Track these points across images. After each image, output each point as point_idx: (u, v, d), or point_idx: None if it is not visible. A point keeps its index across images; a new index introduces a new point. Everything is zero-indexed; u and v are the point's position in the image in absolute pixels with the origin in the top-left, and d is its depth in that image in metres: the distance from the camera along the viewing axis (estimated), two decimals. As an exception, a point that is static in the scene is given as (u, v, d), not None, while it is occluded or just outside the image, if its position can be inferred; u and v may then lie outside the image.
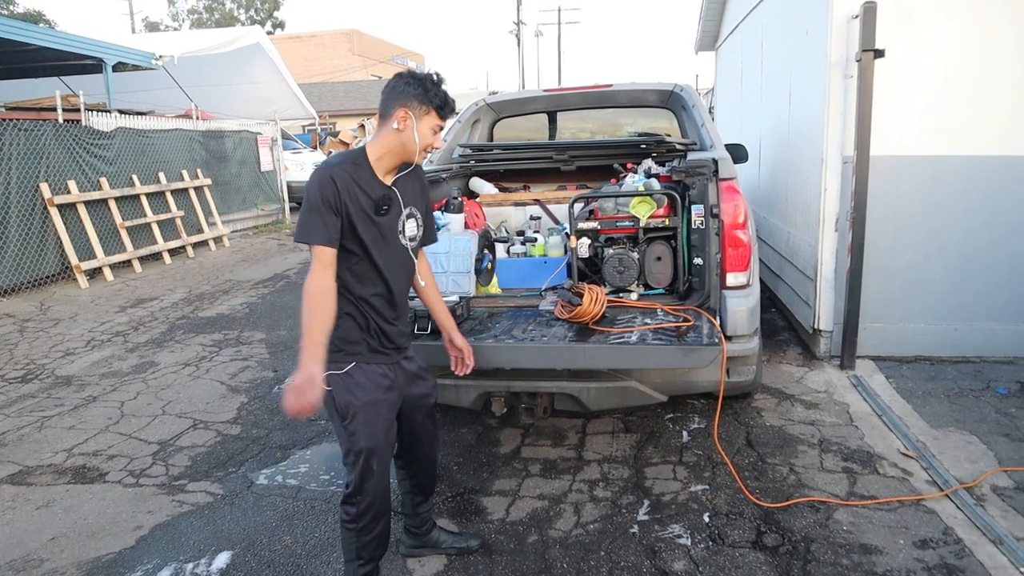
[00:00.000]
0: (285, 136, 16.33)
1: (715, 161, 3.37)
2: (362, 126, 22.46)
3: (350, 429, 2.44)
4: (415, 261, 2.65)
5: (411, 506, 2.96)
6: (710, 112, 8.49)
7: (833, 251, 4.91)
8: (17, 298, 8.06)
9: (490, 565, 2.94)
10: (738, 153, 4.82)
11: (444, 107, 2.41)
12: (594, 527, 3.17)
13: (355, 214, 2.34)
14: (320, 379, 2.23)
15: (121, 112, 10.86)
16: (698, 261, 3.56)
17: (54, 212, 8.62)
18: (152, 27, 43.21)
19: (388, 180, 2.45)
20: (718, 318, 3.31)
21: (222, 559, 3.08)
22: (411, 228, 2.57)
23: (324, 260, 2.31)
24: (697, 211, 3.52)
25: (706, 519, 3.19)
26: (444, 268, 3.68)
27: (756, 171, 7.03)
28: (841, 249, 4.86)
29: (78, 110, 9.73)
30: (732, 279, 3.38)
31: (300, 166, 16.56)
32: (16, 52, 11.03)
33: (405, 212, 2.53)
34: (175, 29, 41.80)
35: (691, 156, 3.89)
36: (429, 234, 2.74)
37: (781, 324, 6.05)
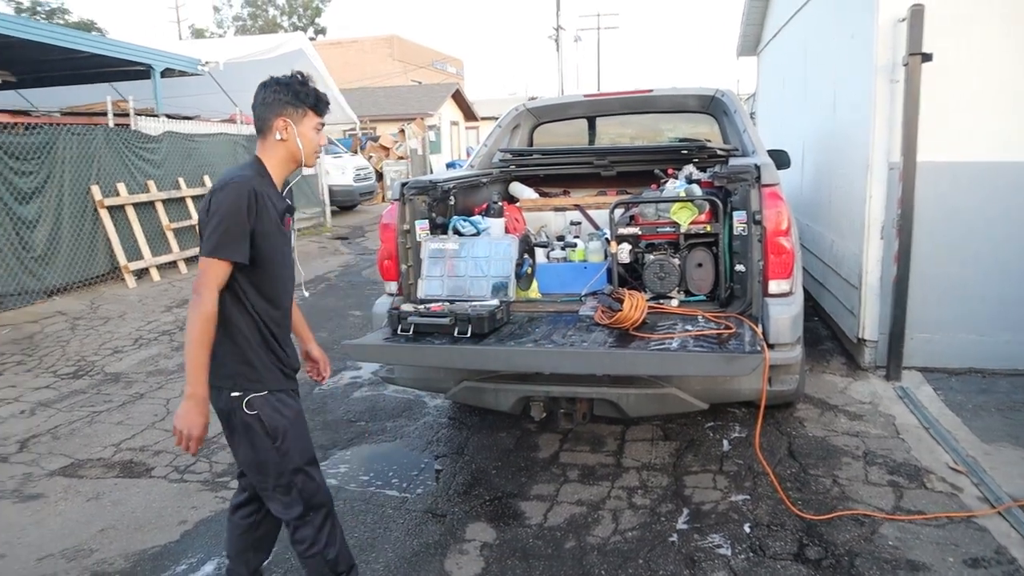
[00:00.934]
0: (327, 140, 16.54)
1: (757, 167, 3.33)
2: (402, 131, 22.66)
3: (283, 449, 2.34)
4: None
5: (247, 570, 2.64)
6: (751, 117, 8.40)
7: (879, 259, 4.82)
8: (69, 297, 8.28)
9: (528, 570, 2.94)
10: (781, 159, 4.76)
11: (319, 104, 2.37)
12: (632, 534, 3.15)
13: (268, 228, 2.26)
14: (206, 402, 2.19)
15: (168, 117, 11.11)
16: (740, 268, 3.52)
17: (104, 214, 8.85)
18: (198, 34, 44.20)
19: (283, 192, 2.42)
20: (760, 326, 3.26)
21: (263, 556, 3.12)
22: (295, 239, 2.53)
23: (221, 280, 2.20)
24: (739, 217, 3.48)
25: (747, 529, 3.15)
26: (484, 272, 3.69)
27: (799, 177, 6.94)
28: (887, 257, 4.77)
29: (128, 115, 9.99)
30: (775, 286, 3.33)
31: (341, 170, 16.83)
32: (71, 59, 11.35)
33: (294, 223, 2.50)
34: (220, 36, 42.68)
35: (733, 162, 3.85)
36: None
37: (824, 333, 5.95)
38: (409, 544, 3.16)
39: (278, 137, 2.32)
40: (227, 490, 3.73)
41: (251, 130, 12.99)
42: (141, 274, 9.35)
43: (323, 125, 2.43)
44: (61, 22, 36.35)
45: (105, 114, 9.84)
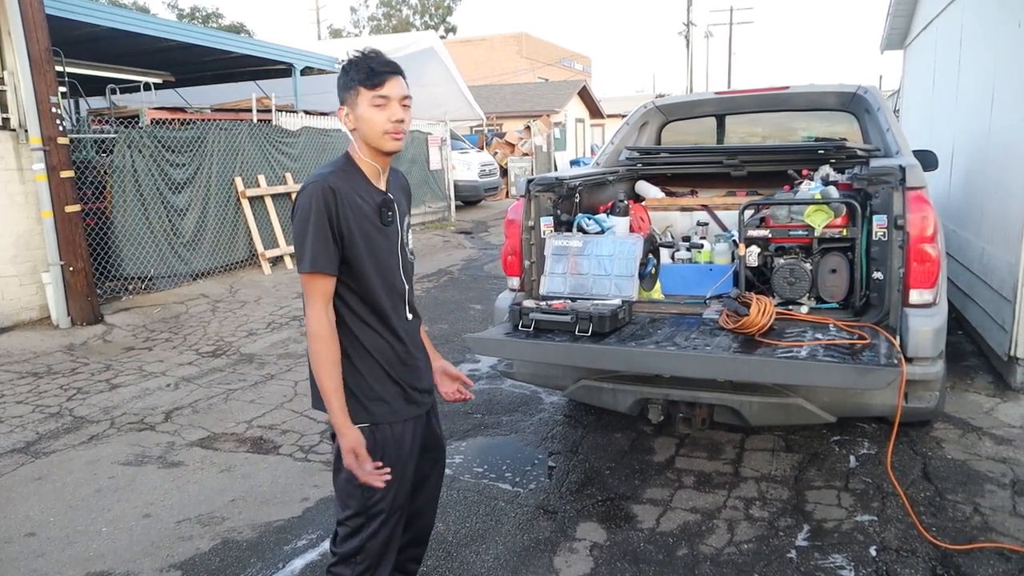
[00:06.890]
0: (454, 136, 16.91)
1: (902, 168, 3.13)
2: (527, 127, 22.85)
3: (368, 491, 2.08)
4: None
5: None
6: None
7: (1037, 271, 4.42)
8: (211, 280, 8.87)
9: (637, 574, 2.89)
10: (927, 160, 4.44)
11: (369, 75, 2.00)
12: (748, 547, 3.04)
13: (358, 229, 2.02)
14: (359, 434, 2.03)
15: (306, 112, 11.68)
16: (878, 275, 3.32)
17: (245, 204, 9.41)
18: (335, 34, 46.21)
19: (382, 185, 2.13)
20: (898, 337, 3.07)
21: (380, 538, 3.22)
22: (410, 238, 2.25)
23: (328, 293, 2.01)
24: (879, 222, 3.29)
25: (872, 552, 2.96)
26: (607, 271, 3.66)
27: (947, 181, 6.47)
28: (1047, 269, 4.36)
29: (270, 111, 10.57)
30: (916, 296, 3.13)
31: (466, 166, 17.20)
32: (222, 60, 12.16)
33: (405, 221, 2.21)
34: (356, 35, 44.47)
35: (874, 163, 3.64)
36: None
37: (969, 349, 5.52)
38: (520, 538, 3.18)
39: (346, 128, 2.08)
40: (348, 471, 3.87)
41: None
42: (276, 261, 9.88)
43: (383, 98, 2.02)
44: (215, 26, 39.06)
45: (250, 110, 10.46)
